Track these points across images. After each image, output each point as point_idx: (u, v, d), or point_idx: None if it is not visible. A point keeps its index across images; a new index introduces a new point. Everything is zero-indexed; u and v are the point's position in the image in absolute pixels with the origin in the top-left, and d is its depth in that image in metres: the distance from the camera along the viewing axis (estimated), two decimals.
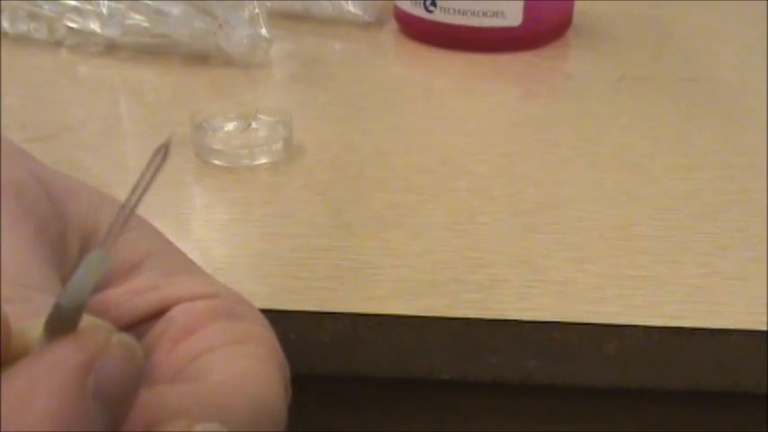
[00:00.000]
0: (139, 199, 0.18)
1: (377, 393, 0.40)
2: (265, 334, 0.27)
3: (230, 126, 0.51)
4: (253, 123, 0.51)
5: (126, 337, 0.18)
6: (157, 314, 0.27)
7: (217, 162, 0.48)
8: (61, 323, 0.17)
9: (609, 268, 0.41)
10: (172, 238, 0.30)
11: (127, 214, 0.18)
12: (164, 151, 0.18)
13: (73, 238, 0.27)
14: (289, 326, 0.37)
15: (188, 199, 0.46)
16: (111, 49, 0.61)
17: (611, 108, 0.56)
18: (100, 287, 0.27)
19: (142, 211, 0.29)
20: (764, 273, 0.40)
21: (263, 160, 0.49)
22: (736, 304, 0.38)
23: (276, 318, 0.28)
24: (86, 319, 0.18)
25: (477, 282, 0.40)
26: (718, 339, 0.37)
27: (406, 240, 0.42)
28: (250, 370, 0.25)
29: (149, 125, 0.54)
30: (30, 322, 0.19)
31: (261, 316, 0.28)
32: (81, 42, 0.61)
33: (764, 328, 0.37)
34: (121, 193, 0.30)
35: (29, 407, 0.16)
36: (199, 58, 0.60)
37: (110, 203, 0.29)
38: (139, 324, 0.27)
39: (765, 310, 0.38)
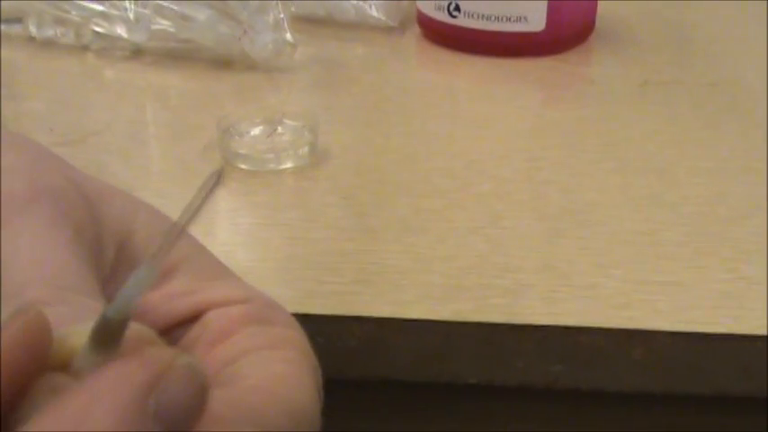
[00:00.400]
0: (189, 221, 0.18)
1: (403, 397, 0.40)
2: (298, 338, 0.27)
3: (256, 130, 0.51)
4: (278, 128, 0.51)
5: (192, 361, 0.18)
6: (192, 318, 0.27)
7: (243, 166, 0.49)
8: (107, 334, 0.18)
9: (634, 273, 0.41)
10: None
11: (176, 235, 0.18)
12: (216, 178, 0.18)
13: (108, 241, 0.27)
14: (316, 330, 0.37)
15: (214, 203, 0.47)
16: (136, 53, 0.61)
17: (635, 113, 0.56)
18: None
19: (171, 214, 0.29)
20: None
21: (289, 164, 0.49)
22: (762, 310, 0.38)
23: (303, 321, 0.29)
24: (133, 327, 0.18)
25: (502, 286, 0.40)
26: (743, 345, 0.37)
27: (430, 245, 0.43)
28: (284, 374, 0.25)
29: (175, 129, 0.55)
30: (71, 328, 0.19)
31: (293, 320, 0.28)
32: (107, 47, 0.62)
33: None
34: (147, 197, 0.31)
35: (88, 423, 0.16)
36: (224, 62, 0.60)
37: (144, 209, 0.29)
38: (175, 327, 0.27)
39: None
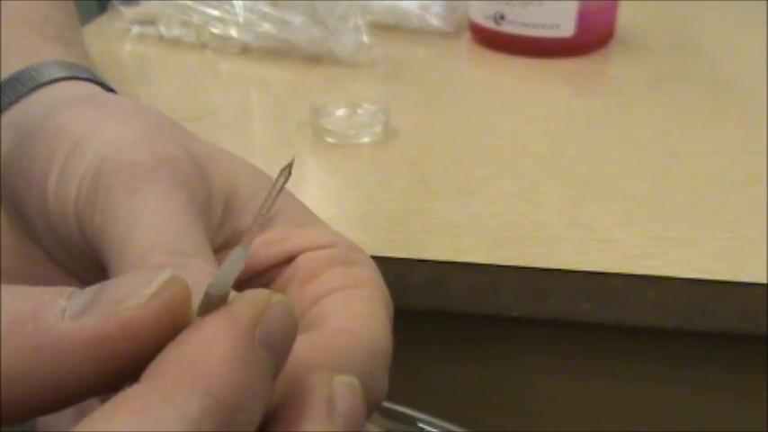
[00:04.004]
0: (271, 206, 0.18)
1: (458, 326, 0.39)
2: (375, 277, 0.26)
3: (340, 112, 0.50)
4: (358, 110, 0.50)
5: (283, 297, 0.17)
6: (287, 261, 0.26)
7: (330, 140, 0.48)
8: (210, 307, 0.17)
9: (649, 231, 0.39)
10: None
11: (262, 221, 0.18)
12: (287, 171, 0.18)
13: (216, 199, 0.25)
14: (388, 270, 0.36)
15: (308, 168, 0.46)
16: (245, 50, 0.61)
17: (647, 103, 0.54)
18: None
19: (272, 175, 0.28)
20: None
21: (366, 139, 0.48)
22: (757, 262, 0.37)
23: (378, 263, 0.27)
24: (234, 296, 0.17)
25: (540, 239, 0.39)
26: (742, 291, 0.36)
27: (481, 205, 0.41)
28: (364, 312, 0.23)
29: (274, 111, 0.54)
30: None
31: (371, 261, 0.26)
32: (221, 45, 0.61)
33: None
34: (254, 163, 0.29)
35: (212, 351, 0.16)
36: (314, 58, 0.59)
37: (246, 168, 0.27)
38: (272, 269, 0.26)
39: None
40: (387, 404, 0.34)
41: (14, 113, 0.28)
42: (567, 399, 0.41)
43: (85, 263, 0.24)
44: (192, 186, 0.24)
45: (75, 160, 0.24)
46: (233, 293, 0.17)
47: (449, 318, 0.38)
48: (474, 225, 0.40)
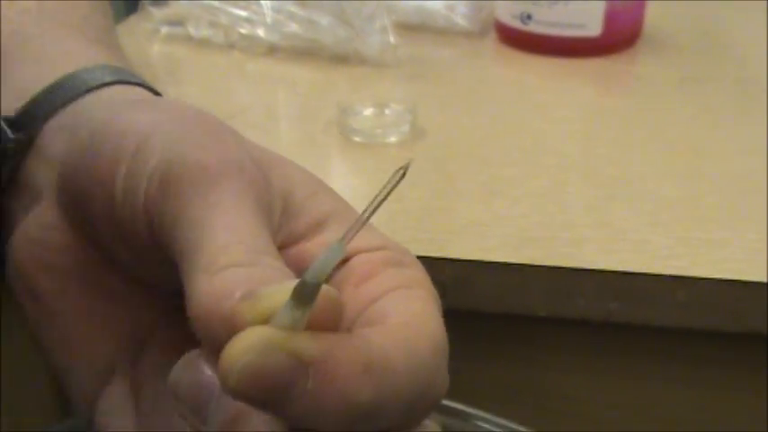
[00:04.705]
0: (376, 208, 0.18)
1: (485, 325, 0.39)
2: (426, 279, 0.26)
3: (367, 111, 0.50)
4: (385, 110, 0.50)
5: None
6: (341, 262, 0.26)
7: (357, 139, 0.48)
8: (305, 294, 0.18)
9: (678, 231, 0.39)
10: None
11: (365, 219, 0.18)
12: (402, 172, 0.18)
13: (275, 203, 0.25)
14: None
15: (335, 166, 0.46)
16: (272, 50, 0.61)
17: (674, 103, 0.54)
18: (299, 241, 0.26)
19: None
20: None
21: (393, 139, 0.48)
22: None
23: None
24: (323, 288, 0.18)
25: (568, 238, 0.39)
26: None
27: (508, 205, 0.41)
28: (424, 311, 0.23)
29: (302, 111, 0.55)
30: (269, 288, 0.19)
31: (420, 264, 0.27)
32: (249, 45, 0.61)
33: None
34: None
35: None
36: (341, 58, 0.59)
37: (299, 171, 0.27)
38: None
39: None
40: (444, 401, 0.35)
41: (67, 116, 0.28)
42: (593, 398, 0.41)
43: (148, 258, 0.25)
44: (258, 190, 0.24)
45: (141, 160, 0.24)
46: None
47: (475, 317, 0.38)
48: (501, 224, 0.40)
